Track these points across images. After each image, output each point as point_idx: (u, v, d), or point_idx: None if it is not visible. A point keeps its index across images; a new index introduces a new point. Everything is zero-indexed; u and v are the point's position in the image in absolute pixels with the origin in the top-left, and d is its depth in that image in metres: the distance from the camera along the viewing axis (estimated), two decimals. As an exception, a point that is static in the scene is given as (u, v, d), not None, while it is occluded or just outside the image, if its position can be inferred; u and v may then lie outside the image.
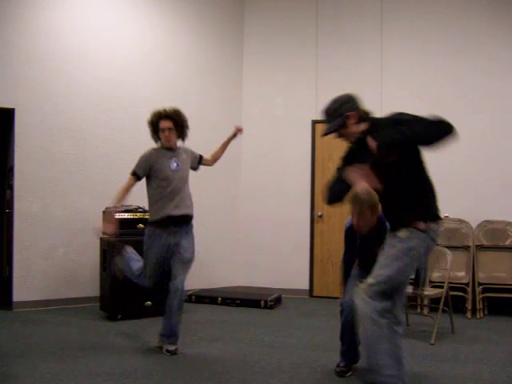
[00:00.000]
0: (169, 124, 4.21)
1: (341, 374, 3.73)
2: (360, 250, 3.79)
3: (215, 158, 4.69)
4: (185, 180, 4.31)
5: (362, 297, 2.93)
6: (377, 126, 2.95)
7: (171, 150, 4.28)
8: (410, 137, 2.78)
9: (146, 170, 4.21)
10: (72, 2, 6.10)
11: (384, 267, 2.93)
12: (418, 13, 6.64)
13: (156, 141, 4.34)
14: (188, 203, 4.30)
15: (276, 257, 7.00)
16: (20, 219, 5.80)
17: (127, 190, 4.21)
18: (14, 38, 5.78)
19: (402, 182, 2.95)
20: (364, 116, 3.02)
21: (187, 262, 4.21)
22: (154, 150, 4.29)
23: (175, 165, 4.24)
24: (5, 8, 5.73)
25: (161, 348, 4.24)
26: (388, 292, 2.89)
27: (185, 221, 4.26)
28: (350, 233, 3.81)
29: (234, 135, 4.69)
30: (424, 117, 2.85)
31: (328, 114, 3.05)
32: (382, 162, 2.86)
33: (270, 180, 7.06)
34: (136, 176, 4.23)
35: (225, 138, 4.72)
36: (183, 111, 4.38)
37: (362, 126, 2.99)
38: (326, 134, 3.06)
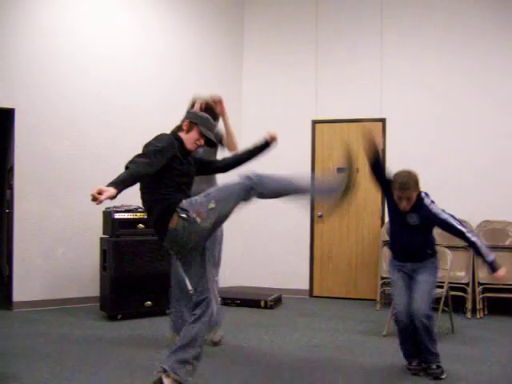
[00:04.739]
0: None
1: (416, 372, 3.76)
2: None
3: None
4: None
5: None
6: None
7: None
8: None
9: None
10: (73, 3, 6.11)
11: None
12: (418, 9, 6.64)
13: None
14: None
15: (276, 257, 7.00)
16: (20, 219, 5.80)
17: None
18: (14, 39, 5.78)
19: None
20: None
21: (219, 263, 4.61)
22: None
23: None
24: (4, 8, 5.73)
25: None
26: None
27: None
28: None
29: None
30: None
31: None
32: None
33: (269, 180, 7.04)
34: None
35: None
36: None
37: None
38: None
